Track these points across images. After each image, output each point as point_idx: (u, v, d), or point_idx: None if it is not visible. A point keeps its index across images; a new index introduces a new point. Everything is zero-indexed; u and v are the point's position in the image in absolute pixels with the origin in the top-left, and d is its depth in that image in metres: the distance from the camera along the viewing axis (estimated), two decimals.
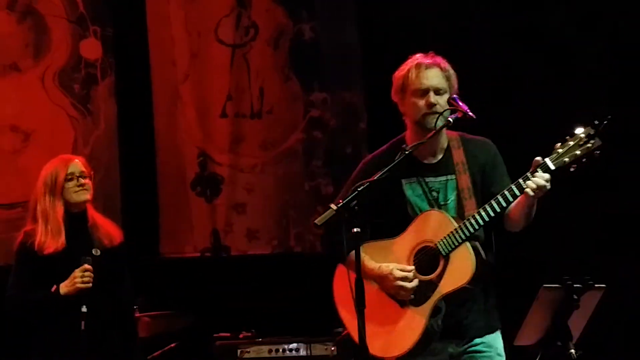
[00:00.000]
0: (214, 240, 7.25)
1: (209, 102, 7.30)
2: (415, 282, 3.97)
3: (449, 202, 4.07)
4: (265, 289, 6.79)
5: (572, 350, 3.85)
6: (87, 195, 4.93)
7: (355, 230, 3.78)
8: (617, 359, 6.04)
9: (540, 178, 3.80)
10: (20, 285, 4.84)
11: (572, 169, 3.83)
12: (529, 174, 3.85)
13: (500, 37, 6.68)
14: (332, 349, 5.91)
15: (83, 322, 4.67)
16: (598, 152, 3.79)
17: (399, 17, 6.93)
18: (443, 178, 4.09)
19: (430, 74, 4.04)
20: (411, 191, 4.09)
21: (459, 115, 4.03)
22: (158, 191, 7.17)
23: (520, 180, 3.88)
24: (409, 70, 4.07)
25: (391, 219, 4.09)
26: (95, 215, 4.99)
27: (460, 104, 4.06)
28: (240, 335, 6.14)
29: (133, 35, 7.16)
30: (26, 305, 4.84)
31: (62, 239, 4.84)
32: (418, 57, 4.11)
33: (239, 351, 6.02)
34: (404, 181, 4.09)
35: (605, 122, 3.77)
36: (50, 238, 4.83)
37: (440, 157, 4.12)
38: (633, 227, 6.28)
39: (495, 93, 6.49)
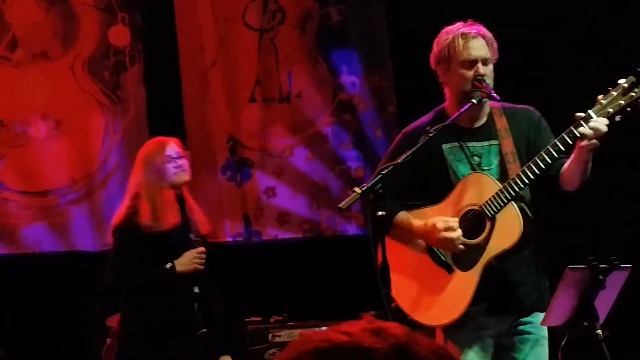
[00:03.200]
0: (245, 225, 7.27)
1: (238, 87, 7.31)
2: (460, 231, 3.92)
3: (492, 167, 4.02)
4: (296, 273, 6.80)
5: (599, 331, 3.83)
6: (186, 176, 4.99)
7: (380, 213, 3.79)
8: None
9: (596, 122, 3.73)
10: (127, 265, 4.87)
11: (617, 119, 3.78)
12: (572, 128, 3.79)
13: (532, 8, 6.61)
14: None
15: (196, 303, 4.81)
16: None
17: None
18: (486, 143, 4.04)
19: (477, 44, 3.97)
20: (452, 156, 4.03)
21: (483, 95, 4.03)
22: None
23: (564, 135, 3.83)
24: (454, 39, 3.97)
25: (433, 185, 4.06)
26: (191, 200, 5.06)
27: (484, 84, 4.06)
28: (271, 320, 6.16)
29: (161, 21, 7.17)
30: (137, 281, 4.88)
31: (176, 217, 4.91)
32: (461, 26, 4.02)
33: (270, 335, 6.04)
34: (444, 146, 4.03)
35: None
36: (160, 217, 4.87)
37: (482, 122, 4.06)
38: None
39: (530, 59, 6.43)
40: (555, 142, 3.86)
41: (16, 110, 6.90)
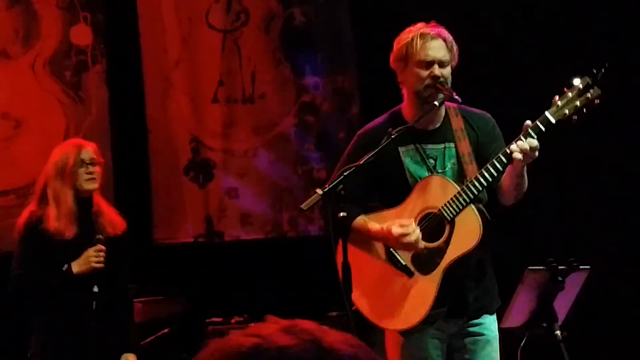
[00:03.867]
0: (208, 226, 7.24)
1: (201, 87, 7.29)
2: (417, 232, 3.90)
3: (446, 169, 4.02)
4: (258, 274, 6.79)
5: (558, 332, 3.85)
6: (94, 184, 4.91)
7: (341, 214, 3.77)
8: (602, 339, 6.04)
9: (526, 143, 3.73)
10: (27, 264, 4.80)
11: (574, 121, 3.78)
12: (521, 136, 3.78)
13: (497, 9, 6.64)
14: None
15: (95, 302, 4.72)
16: (598, 100, 3.76)
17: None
18: (441, 146, 4.02)
19: (435, 45, 3.95)
20: (409, 158, 4.02)
21: (445, 98, 4.02)
22: (151, 177, 7.16)
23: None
24: (413, 39, 3.96)
25: (390, 188, 4.04)
26: (100, 202, 4.98)
27: (446, 86, 4.05)
28: (232, 320, 6.14)
29: (124, 21, 7.13)
30: (35, 284, 4.81)
31: (74, 225, 4.83)
32: (421, 26, 4.01)
33: None
34: (401, 149, 4.02)
35: (602, 71, 3.73)
36: (64, 223, 4.80)
37: (438, 125, 4.05)
38: (616, 206, 6.26)
39: (489, 61, 6.46)
40: (509, 147, 3.84)
41: None
